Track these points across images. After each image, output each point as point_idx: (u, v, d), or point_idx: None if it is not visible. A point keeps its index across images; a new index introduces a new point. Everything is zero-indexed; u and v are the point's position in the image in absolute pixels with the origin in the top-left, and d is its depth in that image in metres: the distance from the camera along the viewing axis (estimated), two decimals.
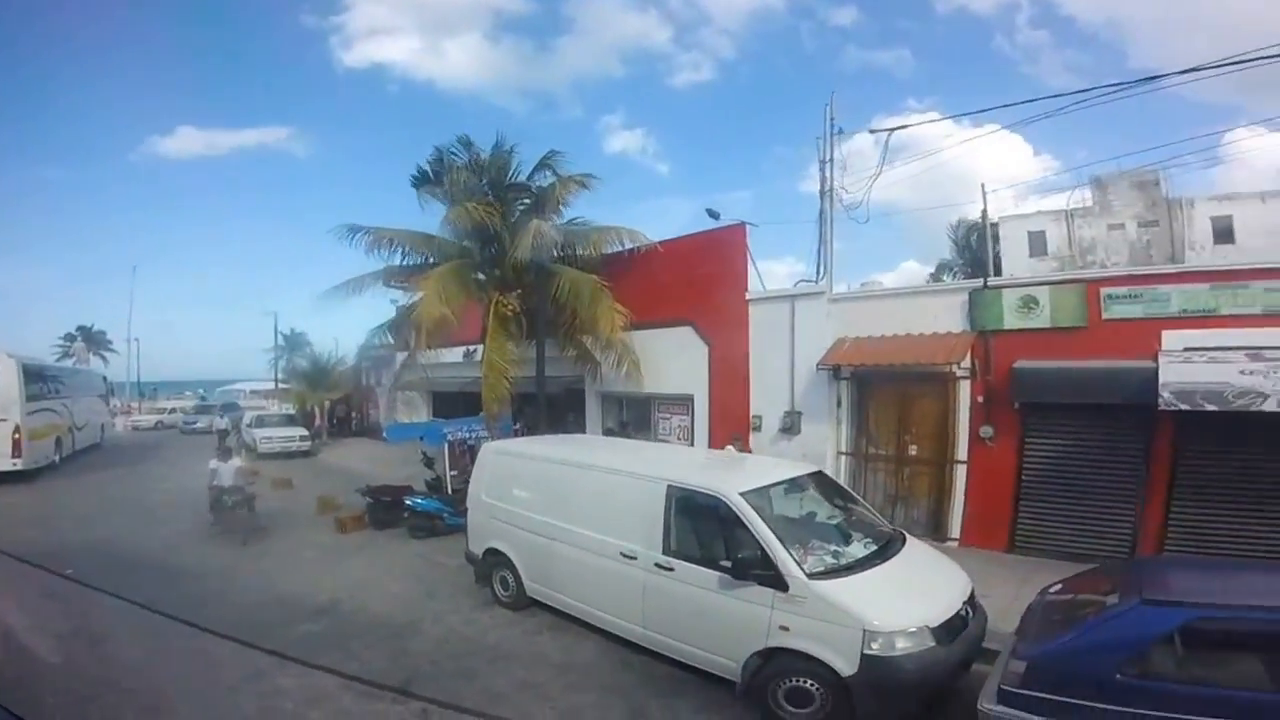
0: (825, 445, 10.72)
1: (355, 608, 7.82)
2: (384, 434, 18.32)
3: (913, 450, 10.13)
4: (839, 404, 10.75)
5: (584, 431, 14.48)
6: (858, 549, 5.68)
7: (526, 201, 13.74)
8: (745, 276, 12.12)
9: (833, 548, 5.62)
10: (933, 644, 4.87)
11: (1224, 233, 26.45)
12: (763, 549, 5.25)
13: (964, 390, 9.53)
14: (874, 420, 10.57)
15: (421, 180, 13.62)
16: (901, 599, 5.15)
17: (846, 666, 4.82)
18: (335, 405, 27.64)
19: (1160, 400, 7.34)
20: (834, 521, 6.23)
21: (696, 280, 12.59)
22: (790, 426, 11.19)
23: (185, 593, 8.09)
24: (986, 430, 9.26)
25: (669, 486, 6.08)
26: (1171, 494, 8.30)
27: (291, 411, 25.84)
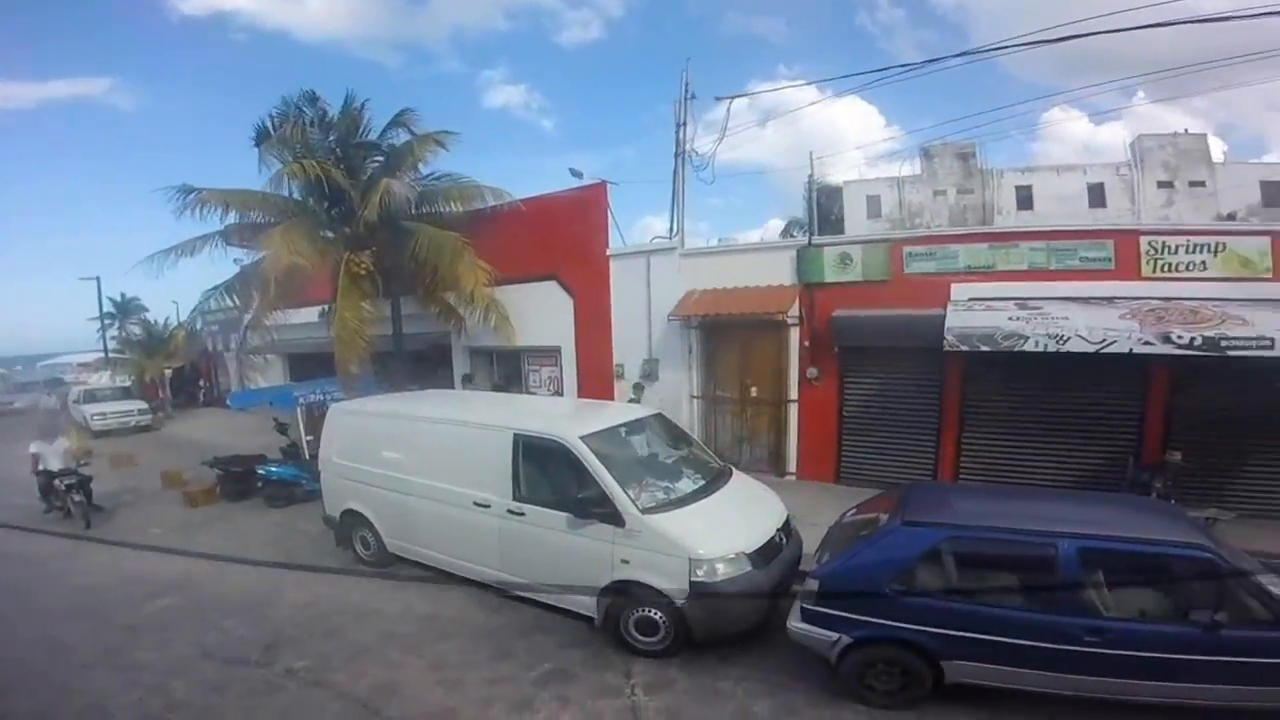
0: (680, 390, 11.55)
1: (211, 579, 7.64)
2: (227, 401, 17.29)
3: (754, 392, 11.09)
4: (690, 351, 11.52)
5: (452, 387, 14.58)
6: (687, 484, 6.29)
7: (379, 160, 13.26)
8: (606, 232, 12.54)
9: (664, 484, 6.19)
10: (750, 569, 5.47)
11: (1025, 200, 31.03)
12: (601, 488, 5.75)
13: (794, 336, 10.52)
14: (720, 365, 11.42)
15: (263, 137, 12.65)
16: (722, 528, 5.75)
17: (679, 594, 5.39)
18: (176, 374, 25.58)
19: (945, 342, 8.45)
20: (669, 460, 6.82)
21: (560, 236, 12.90)
22: (649, 373, 11.88)
23: (19, 578, 7.66)
24: (813, 371, 10.33)
25: (515, 435, 6.43)
26: (962, 426, 9.66)
27: (127, 384, 23.66)
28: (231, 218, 12.68)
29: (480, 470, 6.60)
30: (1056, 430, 9.12)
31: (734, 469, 7.15)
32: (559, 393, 13.38)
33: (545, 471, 6.33)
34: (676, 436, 7.41)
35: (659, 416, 7.55)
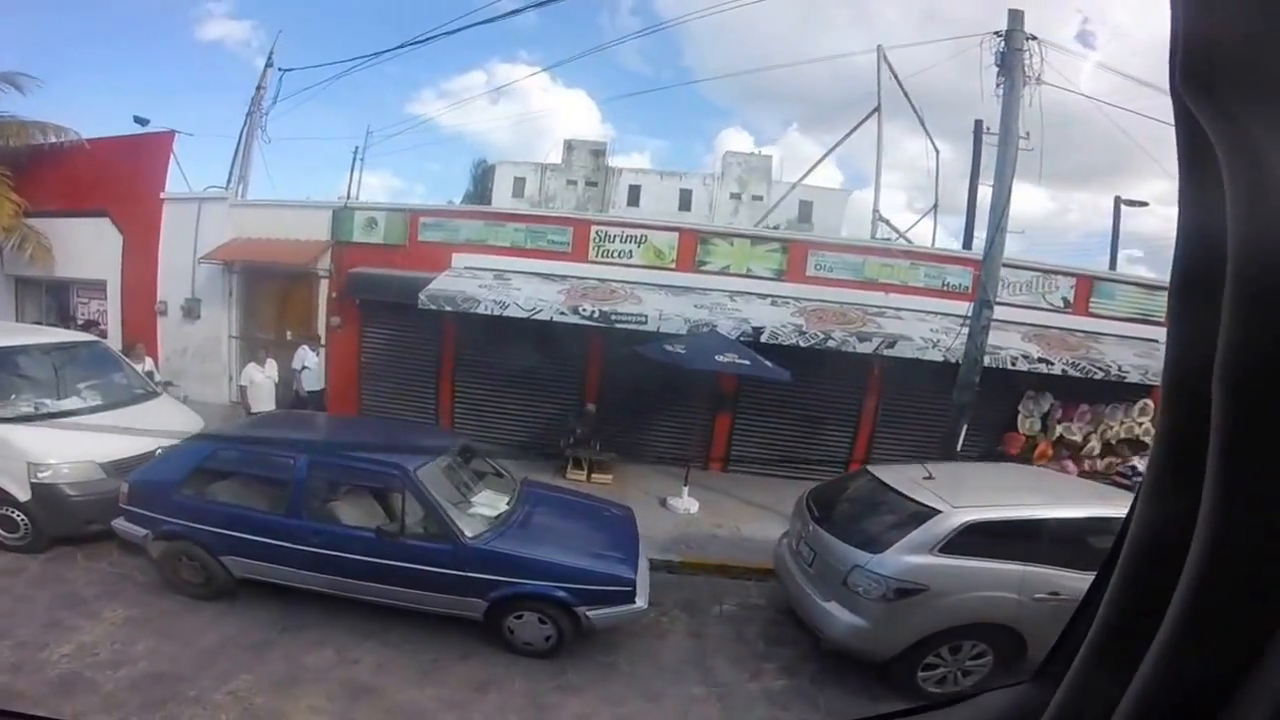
0: (220, 329, 11.60)
1: None
2: None
3: (289, 335, 11.43)
4: (231, 294, 11.57)
5: None
6: (76, 402, 6.54)
7: None
8: (165, 178, 12.43)
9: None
10: (103, 477, 5.86)
11: (634, 199, 35.69)
12: None
13: (324, 287, 11.14)
14: (260, 308, 11.65)
15: None
16: (86, 441, 5.99)
17: (22, 493, 5.66)
18: None
19: (420, 302, 9.36)
20: (81, 382, 6.90)
21: (119, 176, 12.51)
22: (191, 311, 11.75)
23: None
24: (335, 320, 10.99)
25: None
26: (455, 378, 10.91)
27: None
28: None
29: None
30: (524, 385, 10.54)
31: (165, 394, 7.62)
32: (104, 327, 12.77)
33: None
34: (110, 364, 7.51)
35: (93, 344, 7.63)
